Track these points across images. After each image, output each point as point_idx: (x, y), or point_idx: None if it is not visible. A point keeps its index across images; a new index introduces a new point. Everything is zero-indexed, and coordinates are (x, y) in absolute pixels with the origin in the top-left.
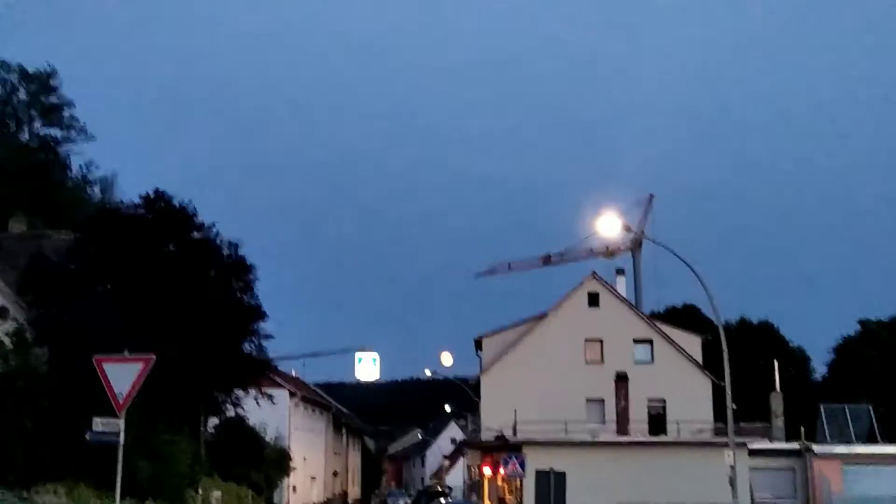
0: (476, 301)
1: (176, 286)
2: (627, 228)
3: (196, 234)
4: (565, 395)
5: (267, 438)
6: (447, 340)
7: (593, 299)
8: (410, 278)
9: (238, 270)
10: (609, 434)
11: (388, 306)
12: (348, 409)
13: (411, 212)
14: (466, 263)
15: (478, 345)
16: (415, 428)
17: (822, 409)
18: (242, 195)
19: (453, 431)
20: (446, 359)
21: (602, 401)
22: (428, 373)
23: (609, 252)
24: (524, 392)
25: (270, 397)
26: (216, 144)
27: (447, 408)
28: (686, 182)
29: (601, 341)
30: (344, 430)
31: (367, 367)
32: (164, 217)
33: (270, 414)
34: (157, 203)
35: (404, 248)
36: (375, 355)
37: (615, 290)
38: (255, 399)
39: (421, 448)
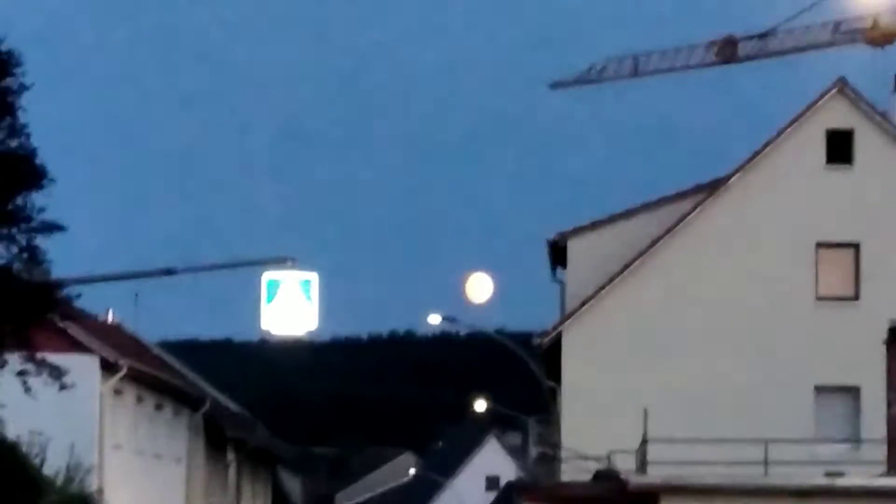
0: (549, 160)
1: None
2: None
3: None
4: (765, 378)
5: (48, 469)
6: (479, 256)
7: (839, 146)
8: (396, 126)
9: None
10: (868, 469)
11: (345, 190)
12: (243, 403)
13: None
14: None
15: (556, 254)
16: (402, 451)
17: None
18: None
19: (493, 460)
20: (478, 287)
21: (855, 390)
22: (435, 321)
23: (879, 32)
24: (665, 369)
25: (57, 373)
26: None
27: (479, 405)
28: None
29: (856, 248)
30: (231, 454)
31: (290, 305)
32: None
33: (57, 411)
34: None
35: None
36: (310, 277)
37: (894, 126)
38: (22, 376)
39: (418, 497)
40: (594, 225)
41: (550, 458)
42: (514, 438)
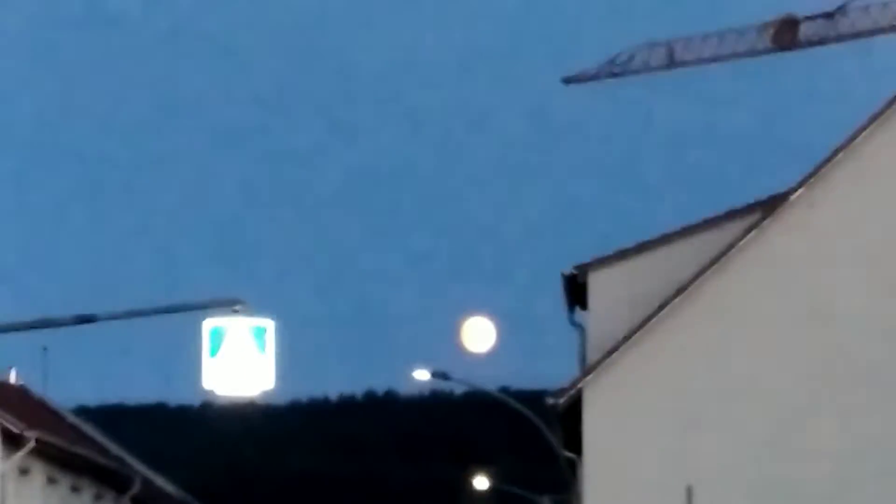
0: (563, 175)
1: None
2: None
3: None
4: (862, 448)
5: None
6: (478, 296)
7: None
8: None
9: None
10: None
11: (308, 217)
12: (182, 482)
13: None
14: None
15: (574, 291)
16: None
17: None
18: None
19: None
20: (477, 335)
21: None
22: (423, 377)
23: None
24: (718, 434)
25: None
26: None
27: (479, 483)
28: None
29: None
30: None
31: (239, 359)
32: None
33: None
34: None
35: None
36: (264, 324)
37: None
38: None
39: None
40: (621, 255)
41: None
42: None
